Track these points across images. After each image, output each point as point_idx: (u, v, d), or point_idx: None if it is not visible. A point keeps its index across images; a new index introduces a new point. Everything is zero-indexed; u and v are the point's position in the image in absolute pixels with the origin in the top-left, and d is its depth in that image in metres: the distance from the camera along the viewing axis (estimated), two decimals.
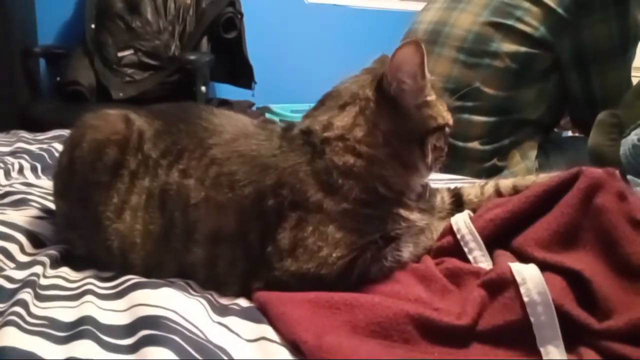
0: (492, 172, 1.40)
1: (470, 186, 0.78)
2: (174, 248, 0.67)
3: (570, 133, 1.86)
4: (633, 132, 1.12)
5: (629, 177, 1.09)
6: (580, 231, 0.60)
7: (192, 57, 2.29)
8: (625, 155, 1.11)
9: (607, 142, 1.18)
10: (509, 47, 1.35)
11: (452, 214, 0.74)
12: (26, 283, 0.60)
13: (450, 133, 1.46)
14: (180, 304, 0.56)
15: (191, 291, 0.63)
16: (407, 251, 0.66)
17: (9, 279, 0.61)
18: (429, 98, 0.68)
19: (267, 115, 2.59)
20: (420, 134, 0.67)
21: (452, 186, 0.80)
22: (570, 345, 0.50)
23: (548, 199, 0.64)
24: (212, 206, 0.65)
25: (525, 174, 1.40)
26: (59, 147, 1.24)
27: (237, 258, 0.64)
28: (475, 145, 1.40)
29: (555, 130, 1.66)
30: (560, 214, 0.62)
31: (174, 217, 0.67)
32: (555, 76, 1.39)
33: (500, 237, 0.65)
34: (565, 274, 0.56)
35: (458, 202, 0.77)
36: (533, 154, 1.43)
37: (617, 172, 0.65)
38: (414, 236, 0.68)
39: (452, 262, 0.65)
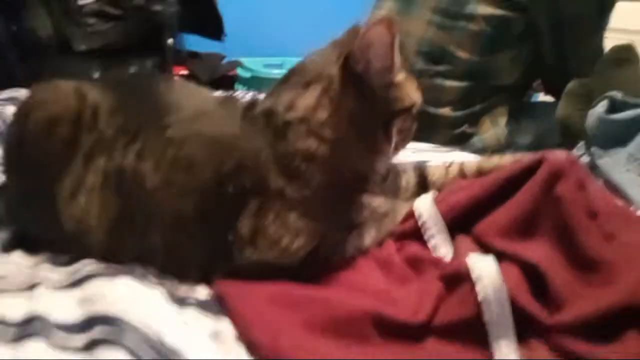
0: (462, 139, 1.40)
1: (435, 166, 0.78)
2: (131, 233, 0.65)
3: (541, 96, 1.86)
4: (600, 104, 1.12)
5: (593, 148, 1.10)
6: (540, 220, 0.61)
7: (158, 8, 2.17)
8: (591, 127, 1.11)
9: (575, 113, 1.19)
10: (484, 9, 1.32)
11: (418, 195, 0.74)
12: None
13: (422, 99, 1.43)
14: (136, 299, 0.55)
15: (149, 280, 0.61)
16: (369, 237, 0.66)
17: None
18: (397, 78, 0.66)
19: (238, 70, 2.51)
20: (386, 116, 0.66)
21: (418, 164, 0.79)
22: (524, 339, 0.51)
23: (510, 185, 0.64)
24: (169, 192, 0.63)
25: (494, 141, 1.41)
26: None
27: (196, 246, 0.63)
28: (446, 111, 1.39)
29: (528, 92, 1.66)
30: (521, 203, 0.62)
31: (130, 201, 0.65)
32: (529, 42, 1.37)
33: (461, 222, 0.66)
34: (522, 264, 0.57)
35: (423, 183, 0.77)
36: (503, 120, 1.42)
37: (579, 157, 0.65)
38: (376, 221, 0.67)
39: (413, 249, 0.65)
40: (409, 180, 0.77)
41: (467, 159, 0.78)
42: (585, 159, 1.11)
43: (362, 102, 0.64)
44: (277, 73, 2.45)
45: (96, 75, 2.20)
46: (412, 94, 0.68)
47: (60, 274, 0.63)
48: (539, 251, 0.58)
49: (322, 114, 0.63)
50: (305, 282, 0.59)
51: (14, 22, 2.23)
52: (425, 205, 0.68)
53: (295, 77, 0.67)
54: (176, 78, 1.02)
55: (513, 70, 1.40)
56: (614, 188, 1.02)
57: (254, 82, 2.48)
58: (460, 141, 1.40)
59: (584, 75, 1.27)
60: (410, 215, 0.69)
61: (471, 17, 1.32)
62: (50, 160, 0.67)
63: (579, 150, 1.15)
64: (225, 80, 2.62)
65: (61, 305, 0.56)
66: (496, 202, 0.64)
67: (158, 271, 0.64)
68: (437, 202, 0.68)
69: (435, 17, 1.36)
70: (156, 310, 0.54)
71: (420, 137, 1.34)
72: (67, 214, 0.66)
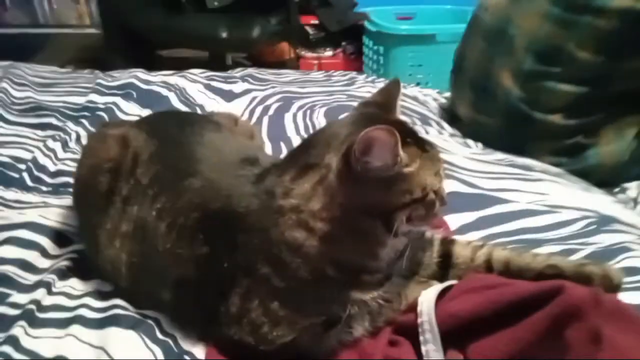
0: (574, 151, 1.21)
1: (463, 246, 0.70)
2: (148, 285, 0.72)
3: None
4: None
5: None
6: None
7: None
8: None
9: None
10: (621, 1, 1.06)
11: (438, 275, 0.69)
12: (23, 313, 0.70)
13: (528, 101, 1.25)
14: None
15: (157, 333, 0.68)
16: (360, 328, 0.64)
17: (13, 305, 0.72)
18: (405, 170, 0.59)
19: (366, 23, 2.43)
20: (389, 209, 0.60)
21: (446, 238, 0.72)
22: None
23: (518, 308, 0.56)
24: (176, 257, 0.67)
25: (613, 157, 1.19)
26: (123, 105, 1.31)
27: (196, 309, 0.68)
28: (556, 118, 1.19)
29: None
30: (521, 338, 0.55)
31: (149, 254, 0.71)
32: None
33: (459, 333, 0.60)
34: None
35: (445, 263, 0.70)
36: (631, 132, 1.18)
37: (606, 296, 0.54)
38: (371, 312, 0.64)
39: (402, 352, 0.61)
40: (432, 255, 0.71)
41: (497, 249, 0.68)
42: None
43: (360, 196, 0.60)
44: (405, 29, 2.31)
45: (224, 34, 2.32)
46: (427, 182, 0.61)
47: (97, 307, 0.73)
48: None
49: (315, 205, 0.60)
50: None
51: None
52: (428, 304, 0.63)
53: (302, 154, 0.65)
54: (225, 116, 1.03)
55: None
56: None
57: (379, 37, 2.39)
58: (571, 153, 1.21)
59: None
60: (415, 306, 0.64)
61: (601, 11, 1.08)
62: (93, 206, 0.76)
63: None
64: (353, 30, 2.59)
65: (85, 344, 0.67)
66: (499, 323, 0.57)
67: (169, 322, 0.71)
68: (440, 303, 0.62)
69: (554, 10, 1.13)
70: None
71: (524, 145, 1.20)
72: (105, 256, 0.75)
